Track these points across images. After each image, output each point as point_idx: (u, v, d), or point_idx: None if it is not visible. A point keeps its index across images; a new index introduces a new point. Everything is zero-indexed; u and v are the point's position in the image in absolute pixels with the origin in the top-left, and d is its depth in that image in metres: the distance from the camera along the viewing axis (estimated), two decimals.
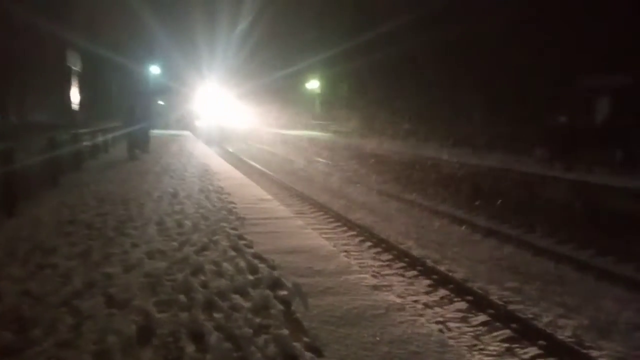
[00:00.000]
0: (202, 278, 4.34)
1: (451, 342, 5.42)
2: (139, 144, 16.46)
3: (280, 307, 3.75)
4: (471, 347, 5.78)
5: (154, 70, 42.09)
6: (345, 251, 9.18)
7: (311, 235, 6.15)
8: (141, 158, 15.45)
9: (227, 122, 41.31)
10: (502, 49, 17.73)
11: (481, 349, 5.77)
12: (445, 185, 14.89)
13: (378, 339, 3.30)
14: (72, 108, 15.06)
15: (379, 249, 9.53)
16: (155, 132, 24.10)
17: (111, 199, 8.17)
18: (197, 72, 44.39)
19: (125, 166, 13.46)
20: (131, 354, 3.08)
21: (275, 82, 39.63)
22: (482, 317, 6.51)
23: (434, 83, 21.64)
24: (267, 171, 20.04)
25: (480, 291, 7.25)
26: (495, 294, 7.25)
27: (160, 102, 47.97)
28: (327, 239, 7.77)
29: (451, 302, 7.07)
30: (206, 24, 42.39)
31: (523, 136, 16.49)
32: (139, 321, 3.49)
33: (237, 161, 23.23)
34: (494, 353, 5.70)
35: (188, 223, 6.44)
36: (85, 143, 13.86)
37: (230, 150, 31.11)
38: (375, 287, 4.36)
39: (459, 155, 16.80)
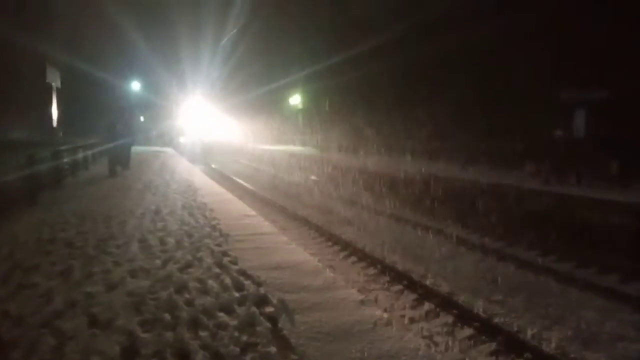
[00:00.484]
0: (187, 296, 4.28)
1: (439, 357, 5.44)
2: (119, 160, 16.29)
3: (267, 324, 3.71)
4: None
5: (135, 86, 41.97)
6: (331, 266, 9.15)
7: (296, 251, 6.13)
8: (122, 175, 15.28)
9: (211, 138, 39.81)
10: (481, 63, 18.04)
11: None
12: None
13: (366, 354, 3.28)
14: (52, 125, 14.88)
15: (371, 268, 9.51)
16: (136, 148, 23.87)
17: (92, 217, 8.05)
18: (181, 86, 43.34)
19: (106, 183, 13.29)
20: None
21: (260, 97, 39.34)
22: None
23: (412, 99, 21.88)
24: (256, 190, 19.80)
25: None
26: None
27: (141, 118, 47.52)
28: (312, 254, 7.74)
29: None
30: (190, 38, 41.61)
31: (506, 150, 16.63)
32: (123, 341, 3.43)
33: (224, 180, 22.99)
34: None
35: (171, 240, 6.37)
36: (65, 160, 13.68)
37: (214, 166, 29.90)
38: (362, 302, 4.34)
39: (446, 170, 16.88)
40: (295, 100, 37.71)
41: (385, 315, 4.10)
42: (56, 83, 14.66)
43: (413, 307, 7.42)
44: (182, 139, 38.95)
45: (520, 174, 15.15)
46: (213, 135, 40.36)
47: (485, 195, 13.12)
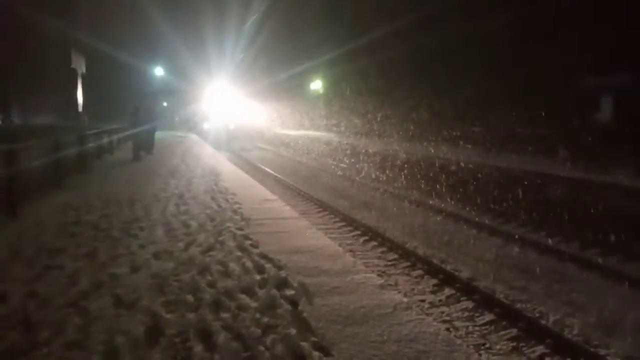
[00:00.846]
0: (209, 278, 4.35)
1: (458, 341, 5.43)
2: (143, 145, 16.51)
3: (288, 306, 3.75)
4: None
5: (158, 71, 42.25)
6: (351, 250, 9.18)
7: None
8: (146, 159, 15.48)
9: (236, 124, 37.13)
10: (508, 49, 17.66)
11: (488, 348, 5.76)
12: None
13: (385, 337, 3.30)
14: (77, 110, 15.13)
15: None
16: (160, 134, 24.16)
17: (116, 200, 8.19)
18: (205, 70, 41.40)
19: (130, 167, 13.50)
20: (139, 354, 3.08)
21: (283, 82, 38.65)
22: None
23: (437, 83, 21.55)
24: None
25: None
26: None
27: (165, 104, 47.88)
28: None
29: None
30: (214, 21, 40.66)
31: (537, 137, 16.20)
32: (147, 321, 3.50)
33: (245, 165, 23.01)
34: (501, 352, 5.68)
35: (194, 224, 6.46)
36: (90, 144, 13.92)
37: (238, 153, 28.90)
38: (382, 287, 4.35)
39: (482, 157, 16.50)
40: (316, 85, 37.51)
41: (405, 299, 4.10)
42: (81, 69, 14.90)
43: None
44: (206, 125, 37.13)
45: (554, 161, 14.75)
46: (238, 121, 37.69)
47: (532, 185, 12.75)
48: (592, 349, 5.54)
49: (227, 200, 8.25)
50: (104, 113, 29.69)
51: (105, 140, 17.18)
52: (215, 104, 37.89)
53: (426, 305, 6.89)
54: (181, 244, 5.44)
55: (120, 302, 3.86)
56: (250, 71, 42.36)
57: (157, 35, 38.53)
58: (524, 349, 5.72)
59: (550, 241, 10.00)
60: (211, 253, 5.12)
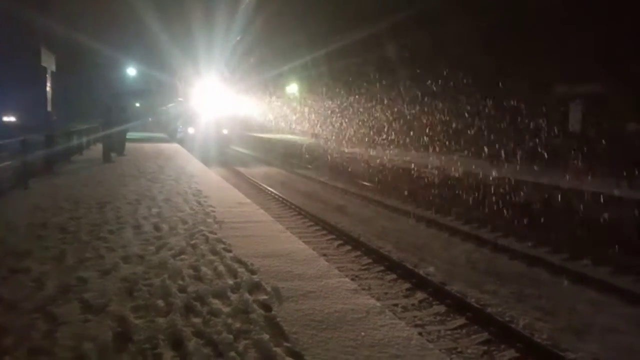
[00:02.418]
0: (180, 282, 4.27)
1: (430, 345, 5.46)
2: (114, 146, 16.20)
3: (261, 311, 3.70)
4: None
5: (131, 71, 41.56)
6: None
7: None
8: (117, 161, 15.19)
9: (231, 127, 29.53)
10: (477, 56, 17.93)
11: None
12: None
13: (359, 342, 3.28)
14: (46, 109, 14.76)
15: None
16: (132, 135, 23.74)
17: (86, 202, 8.00)
18: (192, 65, 32.68)
19: (100, 169, 13.22)
20: None
21: (266, 83, 35.70)
22: None
23: (411, 88, 21.74)
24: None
25: None
26: None
27: (137, 104, 46.88)
28: None
29: None
30: (202, 9, 34.45)
31: (508, 143, 16.38)
32: (115, 327, 3.41)
33: (218, 167, 22.40)
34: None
35: (165, 227, 6.35)
36: (59, 145, 13.58)
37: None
38: (355, 291, 4.34)
39: (454, 162, 16.50)
40: (293, 88, 37.28)
41: (378, 303, 4.10)
42: (51, 67, 14.50)
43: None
44: (191, 130, 27.96)
45: (525, 167, 14.87)
46: (232, 124, 29.82)
47: (503, 191, 12.81)
48: (561, 353, 5.64)
49: (200, 203, 8.14)
50: (74, 113, 28.94)
51: (74, 140, 16.79)
52: (204, 104, 28.54)
53: (399, 310, 6.92)
54: (152, 248, 5.34)
55: (88, 307, 3.75)
56: (243, 66, 35.59)
57: (134, 29, 36.86)
58: (494, 352, 5.79)
59: (520, 246, 10.18)
60: (183, 257, 5.03)
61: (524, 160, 15.15)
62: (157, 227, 6.34)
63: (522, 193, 12.32)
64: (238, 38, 34.62)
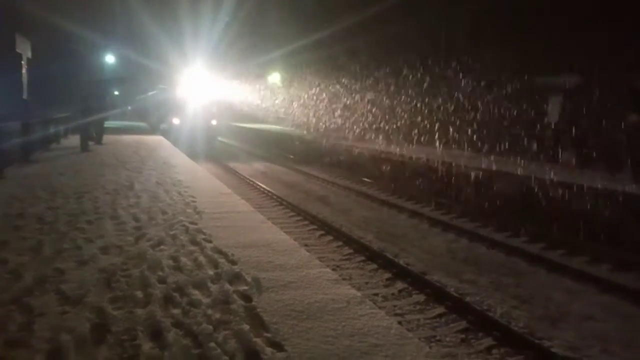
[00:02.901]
0: (160, 273, 4.23)
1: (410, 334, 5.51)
2: (92, 135, 15.95)
3: (241, 302, 3.70)
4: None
5: (110, 59, 40.80)
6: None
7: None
8: (94, 150, 14.96)
9: (220, 118, 25.92)
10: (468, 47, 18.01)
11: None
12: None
13: (339, 332, 3.30)
14: (22, 96, 14.45)
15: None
16: (111, 124, 23.37)
17: (63, 192, 7.88)
18: (178, 50, 29.88)
19: (78, 158, 13.01)
20: (85, 352, 2.97)
21: (257, 69, 33.82)
22: None
23: (392, 78, 21.74)
24: None
25: None
26: None
27: (116, 92, 45.91)
28: None
29: None
30: None
31: (487, 134, 16.51)
32: (93, 318, 3.38)
33: (200, 159, 21.81)
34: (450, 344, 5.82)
35: (144, 217, 6.29)
36: (35, 133, 13.32)
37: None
38: (336, 281, 4.36)
39: (434, 153, 16.63)
40: (275, 78, 36.94)
41: (359, 293, 4.12)
42: (26, 53, 14.16)
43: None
44: (176, 120, 24.43)
45: (503, 158, 15.08)
46: (221, 114, 26.37)
47: (483, 182, 12.95)
48: (537, 341, 5.75)
49: (180, 194, 8.07)
50: (51, 100, 28.34)
51: (52, 129, 16.47)
52: (191, 92, 25.03)
53: (379, 299, 6.98)
54: (130, 238, 5.28)
55: (66, 298, 3.70)
56: (232, 52, 33.11)
57: (115, 13, 35.58)
58: (472, 341, 5.88)
59: (498, 236, 10.32)
60: (162, 247, 4.99)
61: (505, 151, 15.33)
62: (136, 218, 6.27)
63: (500, 184, 12.48)
64: (227, 19, 32.25)
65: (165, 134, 23.61)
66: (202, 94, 24.77)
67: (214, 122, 24.69)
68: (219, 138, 27.02)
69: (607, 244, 9.38)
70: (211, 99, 25.15)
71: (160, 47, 31.94)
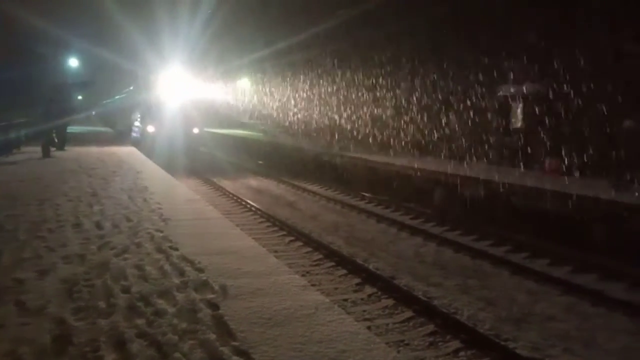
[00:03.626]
0: (124, 283, 4.14)
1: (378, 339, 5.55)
2: (54, 141, 15.54)
3: (208, 310, 3.65)
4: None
5: (73, 62, 39.78)
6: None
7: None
8: (56, 156, 14.57)
9: (201, 124, 22.86)
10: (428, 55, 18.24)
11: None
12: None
13: (307, 338, 3.29)
14: None
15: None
16: (74, 129, 22.80)
17: (23, 199, 7.64)
18: (153, 51, 24.77)
19: (39, 164, 12.65)
20: None
21: (244, 69, 31.61)
22: None
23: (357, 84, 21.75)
24: None
25: None
26: None
27: (79, 97, 44.74)
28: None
29: None
30: None
31: (452, 140, 16.70)
32: (54, 330, 3.28)
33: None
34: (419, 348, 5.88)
35: (108, 224, 6.15)
36: None
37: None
38: (305, 287, 4.35)
39: (399, 159, 16.72)
40: (244, 83, 36.60)
41: (328, 299, 4.13)
42: None
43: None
44: (151, 128, 21.17)
45: (467, 163, 15.23)
46: (202, 120, 23.31)
47: (449, 186, 12.95)
48: (502, 343, 5.86)
49: (145, 200, 7.93)
50: (10, 105, 27.49)
51: (12, 134, 15.98)
52: (168, 96, 21.86)
53: (349, 304, 7.00)
54: (93, 247, 5.16)
55: (25, 309, 3.59)
56: (215, 49, 30.32)
57: (82, 12, 34.35)
58: (440, 344, 5.95)
59: (465, 239, 10.50)
60: (126, 256, 4.89)
61: (471, 157, 15.60)
62: (99, 225, 6.13)
63: (467, 189, 12.69)
64: (209, 11, 28.50)
65: (137, 143, 20.68)
66: (181, 97, 21.66)
67: (195, 131, 21.59)
68: (208, 150, 24.54)
69: (568, 246, 9.61)
70: (192, 103, 22.19)
71: (132, 45, 28.10)
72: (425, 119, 17.77)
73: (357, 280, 7.94)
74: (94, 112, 44.54)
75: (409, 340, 6.01)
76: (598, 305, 7.10)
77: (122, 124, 26.78)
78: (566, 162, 12.63)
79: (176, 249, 5.16)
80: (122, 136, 25.76)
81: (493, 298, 7.33)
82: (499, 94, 15.88)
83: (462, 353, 5.73)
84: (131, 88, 25.58)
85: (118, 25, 29.25)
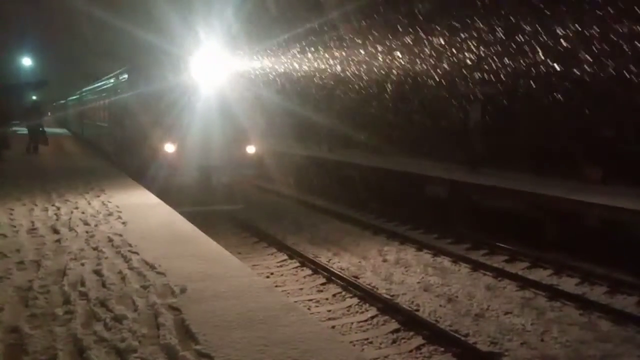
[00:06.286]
0: (81, 289, 4.04)
1: (342, 338, 5.60)
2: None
3: (169, 314, 3.60)
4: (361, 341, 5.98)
5: (26, 62, 38.32)
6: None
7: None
8: (8, 159, 14.05)
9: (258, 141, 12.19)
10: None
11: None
12: None
13: (271, 340, 3.29)
14: None
15: None
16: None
17: None
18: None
19: None
20: None
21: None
22: None
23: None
24: None
25: None
26: None
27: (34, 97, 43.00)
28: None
29: None
30: None
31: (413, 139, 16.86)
32: (8, 339, 3.17)
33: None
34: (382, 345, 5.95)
35: (65, 230, 5.98)
36: None
37: None
38: (269, 289, 4.35)
39: (360, 159, 16.83)
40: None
41: (292, 300, 4.14)
42: None
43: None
44: (169, 147, 10.78)
45: (429, 163, 15.54)
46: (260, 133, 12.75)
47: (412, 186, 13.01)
48: (462, 338, 6.01)
49: (104, 204, 7.75)
50: None
51: None
52: (200, 90, 11.38)
53: (313, 305, 7.02)
54: (49, 253, 5.00)
55: None
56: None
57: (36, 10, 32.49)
58: (403, 341, 6.05)
59: (426, 237, 10.69)
60: (84, 261, 4.76)
61: (432, 156, 15.86)
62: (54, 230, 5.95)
63: (427, 188, 12.92)
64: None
65: (139, 176, 10.89)
66: (222, 93, 11.65)
67: (250, 150, 11.80)
68: (271, 185, 16.19)
69: (525, 244, 9.89)
70: (243, 102, 12.15)
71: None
72: None
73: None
74: (49, 114, 42.83)
75: (373, 339, 6.08)
76: (551, 299, 7.34)
77: (111, 138, 14.95)
78: None
79: (137, 253, 5.05)
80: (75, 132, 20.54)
81: None
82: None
83: (424, 349, 5.83)
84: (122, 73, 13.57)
85: None
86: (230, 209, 11.34)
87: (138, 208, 7.60)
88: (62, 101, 39.25)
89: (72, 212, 7.02)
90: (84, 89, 23.43)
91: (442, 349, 5.78)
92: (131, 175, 11.20)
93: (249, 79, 14.65)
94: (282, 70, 18.82)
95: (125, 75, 12.57)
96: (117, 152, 13.67)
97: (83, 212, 7.05)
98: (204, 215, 9.82)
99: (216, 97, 11.25)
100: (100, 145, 17.14)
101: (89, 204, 7.75)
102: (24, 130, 18.86)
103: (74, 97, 28.63)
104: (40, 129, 16.37)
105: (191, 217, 7.34)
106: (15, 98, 16.28)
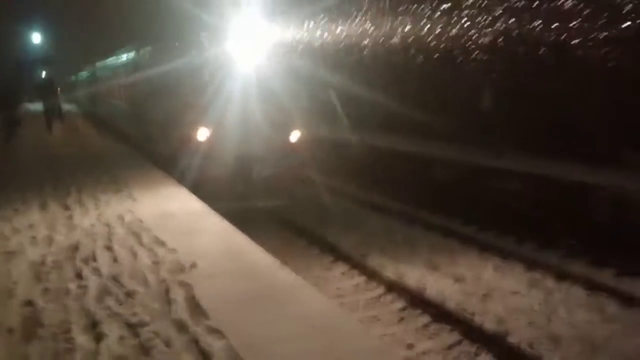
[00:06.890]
0: (94, 264, 4.11)
1: (350, 315, 5.64)
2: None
3: (180, 290, 3.65)
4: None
5: (36, 38, 38.13)
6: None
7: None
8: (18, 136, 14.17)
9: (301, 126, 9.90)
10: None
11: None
12: None
13: (280, 316, 3.33)
14: None
15: None
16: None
17: None
18: None
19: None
20: (15, 348, 2.85)
21: None
22: None
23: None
24: None
25: None
26: None
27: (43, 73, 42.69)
28: None
29: None
30: None
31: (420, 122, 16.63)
32: (24, 312, 3.25)
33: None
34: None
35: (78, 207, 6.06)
36: None
37: None
38: (278, 266, 4.38)
39: (365, 137, 16.80)
40: None
41: (300, 277, 4.17)
42: None
43: None
44: (202, 133, 8.86)
45: (437, 144, 15.33)
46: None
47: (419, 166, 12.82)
48: (469, 316, 6.04)
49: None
50: None
51: None
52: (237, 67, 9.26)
53: (321, 282, 7.07)
54: (63, 229, 5.08)
55: None
56: None
57: None
58: (410, 319, 6.10)
59: (434, 218, 10.65)
60: (96, 238, 4.83)
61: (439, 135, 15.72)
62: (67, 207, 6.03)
63: (434, 168, 12.81)
64: None
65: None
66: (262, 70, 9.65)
67: (293, 136, 9.94)
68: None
69: (532, 227, 9.80)
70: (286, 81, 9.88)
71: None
72: None
73: None
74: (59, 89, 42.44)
75: (380, 316, 6.12)
76: (560, 280, 7.33)
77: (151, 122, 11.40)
78: None
79: (149, 230, 5.11)
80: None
81: None
82: None
83: (432, 327, 5.86)
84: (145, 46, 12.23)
85: None
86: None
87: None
88: (73, 77, 38.69)
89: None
90: (98, 64, 21.45)
91: (450, 327, 5.81)
92: (156, 164, 10.08)
93: (301, 51, 13.14)
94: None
95: (149, 48, 11.08)
96: (140, 135, 12.34)
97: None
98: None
99: (255, 79, 9.30)
100: (118, 127, 15.83)
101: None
102: (35, 108, 18.43)
103: (87, 73, 26.28)
104: (57, 106, 16.34)
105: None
106: (27, 74, 16.29)
